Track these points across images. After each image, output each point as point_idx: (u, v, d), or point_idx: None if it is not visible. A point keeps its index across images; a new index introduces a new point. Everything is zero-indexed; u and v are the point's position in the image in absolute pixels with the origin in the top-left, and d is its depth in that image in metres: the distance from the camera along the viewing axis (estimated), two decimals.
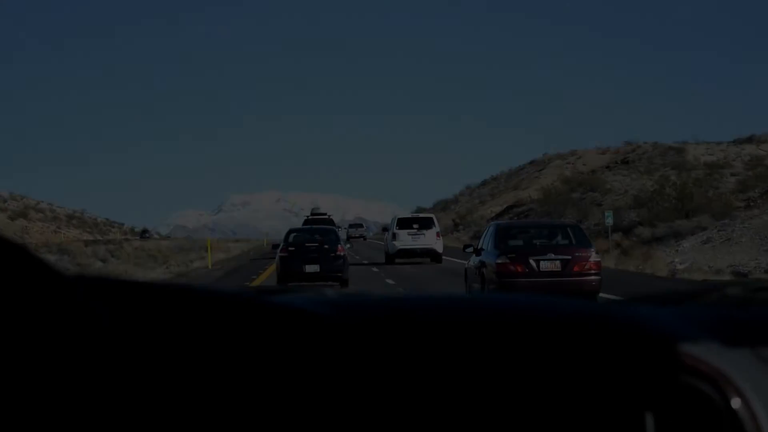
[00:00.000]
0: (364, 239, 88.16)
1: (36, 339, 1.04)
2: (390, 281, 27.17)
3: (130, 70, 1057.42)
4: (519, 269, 16.98)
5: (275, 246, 29.09)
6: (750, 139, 72.23)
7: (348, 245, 34.88)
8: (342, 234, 72.48)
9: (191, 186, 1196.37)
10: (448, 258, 38.84)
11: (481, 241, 18.82)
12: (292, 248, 25.25)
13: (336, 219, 63.24)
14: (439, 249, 38.45)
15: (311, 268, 24.80)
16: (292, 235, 26.44)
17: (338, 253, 25.23)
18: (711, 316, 1.65)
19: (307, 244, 25.33)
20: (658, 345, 1.50)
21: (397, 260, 38.21)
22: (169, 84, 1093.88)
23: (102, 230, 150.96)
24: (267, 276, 28.36)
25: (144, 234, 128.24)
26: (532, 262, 17.05)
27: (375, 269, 34.18)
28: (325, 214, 57.14)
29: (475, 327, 1.50)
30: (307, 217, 54.16)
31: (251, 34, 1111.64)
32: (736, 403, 1.46)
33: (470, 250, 19.31)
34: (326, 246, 25.25)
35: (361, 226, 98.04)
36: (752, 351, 1.54)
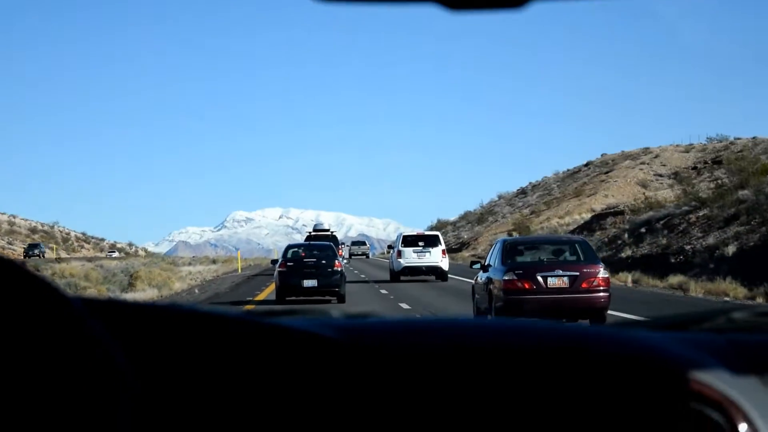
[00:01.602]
0: (367, 257, 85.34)
1: (35, 360, 1.04)
2: (402, 304, 27.01)
3: (130, 87, 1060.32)
4: (526, 285, 16.93)
5: (274, 261, 29.60)
6: None
7: (345, 261, 34.96)
8: (345, 252, 70.50)
9: (194, 202, 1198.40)
10: (453, 276, 38.72)
11: (489, 257, 18.79)
12: (291, 263, 26.25)
13: (339, 236, 62.39)
14: (445, 267, 38.36)
15: (309, 282, 25.82)
16: (291, 250, 27.38)
17: (335, 268, 26.13)
18: (718, 341, 1.65)
19: (305, 260, 26.34)
20: (664, 371, 1.50)
21: (402, 278, 38.09)
22: (173, 99, 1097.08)
23: (71, 246, 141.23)
24: None
25: None
26: (539, 278, 16.99)
27: (377, 286, 34.10)
28: (328, 230, 55.93)
29: (483, 353, 1.50)
30: (310, 233, 53.46)
31: (255, 52, 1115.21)
32: (743, 429, 1.48)
33: (477, 266, 19.23)
34: (324, 261, 26.17)
35: (363, 243, 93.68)
36: (760, 377, 1.55)
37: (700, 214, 40.11)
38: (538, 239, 20.57)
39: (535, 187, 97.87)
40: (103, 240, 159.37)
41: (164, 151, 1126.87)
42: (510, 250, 17.83)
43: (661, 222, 42.57)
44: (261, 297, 29.61)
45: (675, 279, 31.06)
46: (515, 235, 59.82)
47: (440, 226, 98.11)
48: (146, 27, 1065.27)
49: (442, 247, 38.98)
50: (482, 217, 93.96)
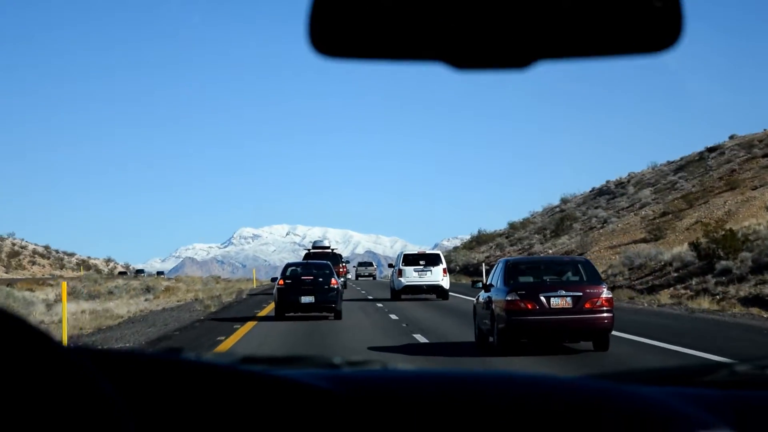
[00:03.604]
0: (374, 278, 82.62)
1: (34, 415, 1.03)
2: (393, 316, 27.27)
3: (142, 101, 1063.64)
4: (529, 306, 16.76)
5: (274, 279, 30.74)
6: None
7: (341, 279, 35.51)
8: (350, 272, 68.70)
9: (202, 218, 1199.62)
10: (455, 294, 38.69)
11: (491, 277, 18.62)
12: (289, 281, 27.48)
13: (346, 253, 61.06)
14: (446, 285, 38.51)
15: (306, 299, 26.90)
16: (290, 268, 28.58)
17: (332, 285, 27.22)
18: (720, 397, 1.59)
19: (303, 277, 27.46)
20: (664, 430, 1.45)
21: (402, 296, 38.14)
22: (183, 115, 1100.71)
23: (20, 263, 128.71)
24: None
25: None
26: (542, 298, 16.82)
27: (380, 305, 34.13)
28: (328, 247, 52.42)
29: (485, 410, 1.47)
30: (308, 250, 50.81)
31: (263, 69, 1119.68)
32: None
33: (479, 285, 19.08)
34: (321, 279, 27.28)
35: (370, 264, 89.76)
36: None
37: None
38: (540, 259, 20.46)
39: (621, 184, 79.09)
40: (73, 255, 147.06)
41: (173, 168, 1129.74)
42: (512, 270, 17.69)
43: None
44: (263, 314, 29.99)
45: None
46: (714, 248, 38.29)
47: (485, 238, 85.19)
48: (160, 60, 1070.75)
49: (443, 265, 39.12)
50: (562, 223, 73.95)
